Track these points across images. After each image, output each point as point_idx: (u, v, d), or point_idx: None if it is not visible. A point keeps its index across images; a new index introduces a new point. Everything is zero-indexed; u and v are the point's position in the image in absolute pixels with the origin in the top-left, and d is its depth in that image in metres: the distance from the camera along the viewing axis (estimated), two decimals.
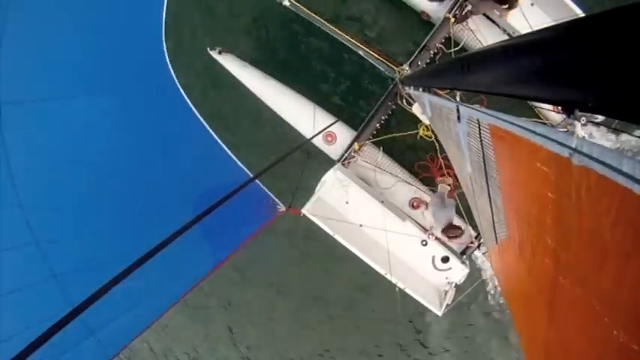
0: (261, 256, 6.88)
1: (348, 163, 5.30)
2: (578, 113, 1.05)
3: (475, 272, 5.77)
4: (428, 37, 5.20)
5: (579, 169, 0.81)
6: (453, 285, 5.31)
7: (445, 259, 5.22)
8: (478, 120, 1.61)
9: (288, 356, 7.73)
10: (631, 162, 0.64)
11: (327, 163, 5.42)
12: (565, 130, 1.02)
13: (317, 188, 5.19)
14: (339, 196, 5.05)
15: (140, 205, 3.00)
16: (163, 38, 3.10)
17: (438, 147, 5.30)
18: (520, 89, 1.34)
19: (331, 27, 5.27)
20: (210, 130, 3.51)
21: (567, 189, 0.90)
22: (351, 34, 5.34)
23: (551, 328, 1.22)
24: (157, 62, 3.17)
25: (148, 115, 3.14)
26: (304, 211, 4.84)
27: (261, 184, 4.05)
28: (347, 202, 5.09)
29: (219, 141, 3.57)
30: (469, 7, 5.06)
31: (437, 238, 5.17)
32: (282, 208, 4.36)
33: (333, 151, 5.40)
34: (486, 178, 1.75)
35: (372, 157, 5.39)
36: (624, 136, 5.51)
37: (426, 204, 5.38)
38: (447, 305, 5.16)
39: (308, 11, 5.25)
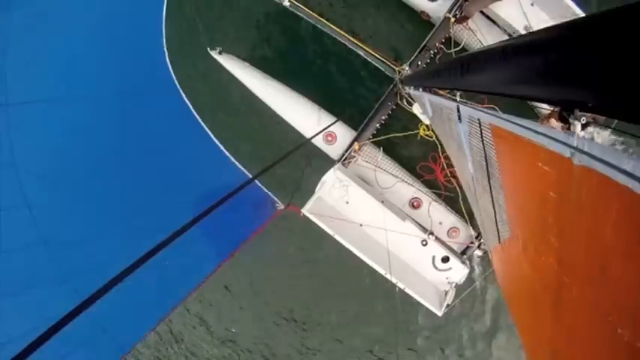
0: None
1: (348, 163, 5.30)
2: (578, 113, 1.06)
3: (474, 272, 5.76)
4: (428, 37, 5.20)
5: (580, 169, 0.81)
6: (453, 285, 5.31)
7: (445, 259, 5.22)
8: (479, 120, 1.61)
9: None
10: (632, 161, 0.65)
11: (327, 163, 5.42)
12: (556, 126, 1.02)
13: (317, 188, 5.19)
14: (339, 196, 5.05)
15: (140, 207, 3.01)
16: (164, 38, 3.11)
17: (440, 147, 5.30)
18: (520, 89, 1.34)
19: (331, 26, 5.28)
20: (209, 131, 3.52)
21: (569, 189, 0.90)
22: (351, 34, 5.34)
23: (556, 327, 1.22)
24: (158, 62, 3.19)
25: (148, 117, 3.15)
26: (304, 210, 4.84)
27: (260, 184, 4.07)
28: (347, 202, 5.09)
29: (217, 142, 3.58)
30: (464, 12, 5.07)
31: (437, 238, 5.17)
32: (280, 206, 4.36)
33: (333, 151, 5.40)
34: (488, 177, 1.75)
35: (372, 157, 5.39)
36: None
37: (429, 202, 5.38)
38: (447, 305, 5.16)
39: (308, 11, 5.25)
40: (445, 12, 5.14)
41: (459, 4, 5.08)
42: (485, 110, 1.61)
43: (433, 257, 5.23)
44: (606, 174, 0.71)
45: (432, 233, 5.13)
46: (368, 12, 5.89)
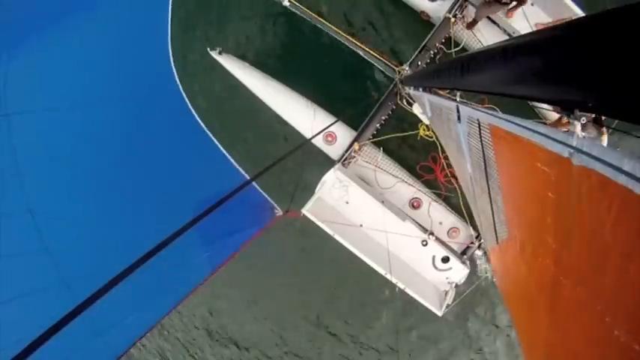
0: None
1: (348, 163, 5.30)
2: (578, 113, 1.06)
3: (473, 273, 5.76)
4: (428, 37, 5.20)
5: (579, 169, 0.81)
6: (454, 285, 5.31)
7: (445, 259, 5.22)
8: (478, 120, 1.61)
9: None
10: (632, 161, 0.64)
11: (327, 163, 5.42)
12: (565, 130, 1.02)
13: (317, 188, 5.20)
14: (339, 196, 5.06)
15: (142, 209, 3.01)
16: (169, 42, 3.12)
17: (439, 147, 5.30)
18: (520, 89, 1.34)
19: (331, 27, 5.28)
20: (209, 133, 3.52)
21: (568, 189, 0.90)
22: (351, 34, 5.35)
23: (552, 329, 1.22)
24: (163, 68, 3.20)
25: (151, 121, 3.16)
26: (304, 211, 4.84)
27: (258, 188, 4.07)
28: (347, 202, 5.10)
29: (217, 143, 3.58)
30: (471, 15, 5.07)
31: (437, 239, 5.17)
32: (279, 212, 4.36)
33: (333, 151, 5.40)
34: (487, 178, 1.75)
35: (372, 157, 5.39)
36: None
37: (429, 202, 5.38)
38: (448, 305, 5.16)
39: (308, 11, 5.25)
40: (445, 12, 5.14)
41: (459, 4, 5.09)
42: (485, 110, 1.61)
43: (433, 257, 5.23)
44: (605, 174, 0.71)
45: (432, 233, 5.13)
46: (368, 12, 5.89)
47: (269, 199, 4.24)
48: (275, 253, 7.02)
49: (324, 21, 5.28)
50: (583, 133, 0.99)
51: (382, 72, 5.36)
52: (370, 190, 5.12)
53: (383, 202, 5.02)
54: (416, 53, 5.22)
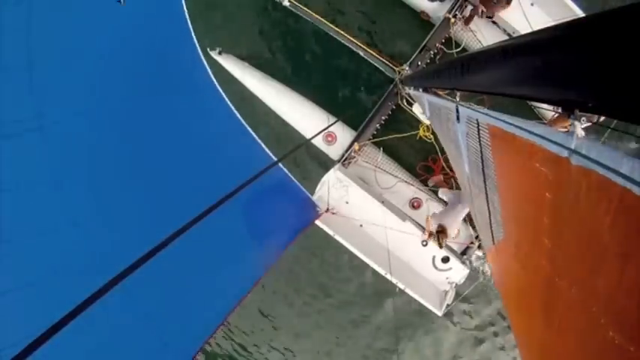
0: None
1: (348, 163, 5.30)
2: (578, 113, 1.05)
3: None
4: (428, 38, 5.20)
5: (578, 170, 0.81)
6: (454, 285, 5.32)
7: (445, 259, 5.22)
8: (477, 120, 1.61)
9: None
10: (630, 162, 0.64)
11: (327, 163, 5.42)
12: (565, 130, 1.01)
13: (317, 188, 5.20)
14: (339, 196, 5.05)
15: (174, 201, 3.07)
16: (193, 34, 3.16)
17: (437, 148, 5.30)
18: (520, 89, 1.34)
19: (331, 26, 5.28)
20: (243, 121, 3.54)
21: (565, 190, 0.90)
22: (351, 34, 5.34)
23: (547, 329, 1.22)
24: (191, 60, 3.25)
25: (189, 114, 3.21)
26: None
27: (301, 186, 4.16)
28: (347, 202, 5.09)
29: (254, 136, 3.61)
30: (479, 11, 5.08)
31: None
32: (321, 210, 4.55)
33: (333, 151, 5.40)
34: (484, 178, 1.75)
35: (372, 158, 5.39)
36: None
37: (439, 201, 5.37)
38: (447, 305, 5.17)
39: (308, 11, 5.25)
40: (445, 12, 5.14)
41: (459, 4, 5.09)
42: (484, 111, 1.61)
43: (433, 257, 5.23)
44: (604, 174, 0.71)
45: (432, 233, 5.12)
46: (368, 12, 5.88)
47: (310, 196, 4.33)
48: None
49: (324, 21, 5.28)
50: (583, 133, 0.99)
51: (382, 72, 5.36)
52: (370, 191, 5.11)
53: (383, 202, 5.02)
54: (416, 53, 5.22)
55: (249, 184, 1.40)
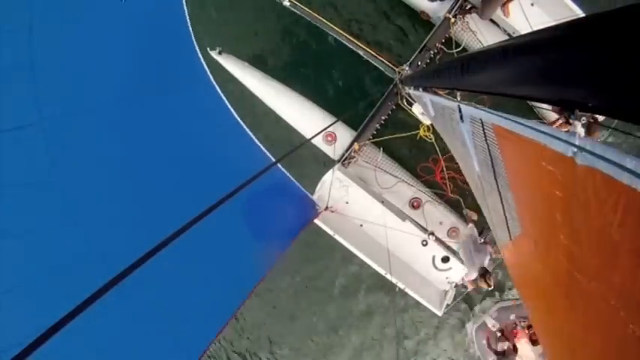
0: None
1: (348, 163, 5.30)
2: (578, 113, 1.06)
3: None
4: (428, 37, 5.20)
5: (584, 169, 0.81)
6: (453, 285, 5.32)
7: (445, 259, 5.22)
8: (481, 119, 1.61)
9: None
10: (635, 160, 0.65)
11: (327, 163, 5.42)
12: (565, 130, 1.02)
13: (317, 188, 5.20)
14: (339, 196, 5.05)
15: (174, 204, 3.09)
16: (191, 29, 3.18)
17: (437, 148, 5.30)
18: (520, 89, 1.34)
19: (331, 26, 5.27)
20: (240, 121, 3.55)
21: (574, 188, 0.90)
22: (351, 34, 5.34)
23: (571, 322, 1.23)
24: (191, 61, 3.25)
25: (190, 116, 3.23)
26: None
27: (298, 184, 4.18)
28: (347, 202, 5.09)
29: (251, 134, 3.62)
30: (473, 12, 5.08)
31: (437, 238, 5.17)
32: (320, 208, 4.57)
33: (333, 151, 5.40)
34: (495, 176, 1.75)
35: (372, 158, 5.39)
36: None
37: (442, 203, 5.37)
38: (447, 305, 5.17)
39: (308, 11, 5.25)
40: (445, 12, 5.14)
41: (459, 4, 5.09)
42: (486, 110, 1.61)
43: (433, 257, 5.23)
44: (608, 173, 0.71)
45: (432, 233, 5.13)
46: (368, 12, 5.89)
47: (309, 195, 4.34)
48: None
49: (324, 20, 5.27)
50: (584, 133, 0.99)
51: (382, 72, 5.36)
52: (370, 191, 5.11)
53: (383, 202, 5.02)
54: (416, 53, 5.22)
55: (249, 185, 1.40)
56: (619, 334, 0.82)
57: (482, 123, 1.60)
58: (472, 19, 5.19)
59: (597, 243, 0.87)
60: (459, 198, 5.36)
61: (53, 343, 0.77)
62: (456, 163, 4.06)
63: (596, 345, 1.04)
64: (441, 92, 3.66)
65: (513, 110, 5.41)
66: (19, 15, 2.40)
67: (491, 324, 4.87)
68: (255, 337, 7.73)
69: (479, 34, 5.16)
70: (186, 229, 1.10)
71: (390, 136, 5.41)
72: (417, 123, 5.34)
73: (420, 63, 5.21)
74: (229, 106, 3.43)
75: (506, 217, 1.88)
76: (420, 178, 5.52)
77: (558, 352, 1.60)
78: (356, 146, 5.24)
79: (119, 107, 2.79)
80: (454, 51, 5.17)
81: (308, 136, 5.16)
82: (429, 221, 5.33)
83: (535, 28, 1.29)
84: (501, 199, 1.81)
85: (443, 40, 5.22)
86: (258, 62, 5.66)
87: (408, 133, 5.41)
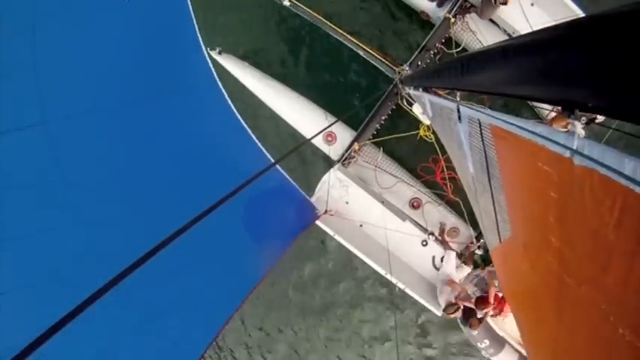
0: None
1: (348, 163, 5.30)
2: (578, 113, 1.06)
3: None
4: (428, 37, 5.20)
5: (581, 170, 0.81)
6: None
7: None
8: (479, 120, 1.61)
9: None
10: (632, 162, 0.64)
11: (327, 163, 5.42)
12: (565, 130, 1.02)
13: (317, 188, 5.20)
14: (339, 196, 5.05)
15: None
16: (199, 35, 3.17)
17: (438, 148, 5.30)
18: (520, 89, 1.34)
19: (331, 26, 5.27)
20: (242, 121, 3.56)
21: (570, 189, 0.90)
22: (351, 34, 5.34)
23: (558, 327, 1.22)
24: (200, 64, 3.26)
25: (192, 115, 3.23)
26: None
27: (298, 187, 4.20)
28: (347, 202, 5.09)
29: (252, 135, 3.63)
30: (471, 13, 5.08)
31: (437, 239, 5.17)
32: (320, 212, 4.59)
33: (333, 151, 5.40)
34: (489, 177, 1.75)
35: (372, 158, 5.39)
36: None
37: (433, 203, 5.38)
38: None
39: (309, 11, 5.24)
40: (445, 12, 5.14)
41: (458, 4, 5.09)
42: (485, 110, 1.61)
43: (433, 257, 5.23)
44: (606, 174, 0.71)
45: (432, 233, 5.13)
46: (368, 12, 5.88)
47: (308, 198, 4.35)
48: None
49: (324, 20, 5.27)
50: (584, 133, 0.99)
51: (382, 72, 5.36)
52: (370, 191, 5.12)
53: (383, 202, 5.02)
54: (416, 53, 5.22)
55: (248, 186, 1.40)
56: (608, 338, 0.82)
57: (479, 123, 1.60)
58: (472, 19, 5.19)
59: (590, 245, 0.86)
60: (458, 200, 5.36)
61: (53, 343, 0.77)
62: None
63: (584, 350, 1.04)
64: (441, 92, 3.66)
65: (513, 109, 5.42)
66: (22, 16, 2.41)
67: (472, 290, 4.88)
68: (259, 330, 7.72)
69: (479, 34, 5.16)
70: (187, 229, 1.10)
71: (390, 136, 5.41)
72: (417, 123, 5.34)
73: (420, 63, 5.21)
74: (233, 108, 3.43)
75: (497, 219, 1.88)
76: (420, 178, 5.52)
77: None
78: (356, 146, 5.24)
79: (122, 108, 2.79)
80: (454, 51, 5.17)
81: (308, 136, 5.16)
82: (428, 221, 5.33)
83: (535, 28, 1.29)
84: (493, 201, 1.81)
85: (443, 40, 5.22)
86: (258, 62, 5.66)
87: (408, 133, 5.41)
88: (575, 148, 0.84)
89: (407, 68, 5.19)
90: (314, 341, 7.50)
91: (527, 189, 1.33)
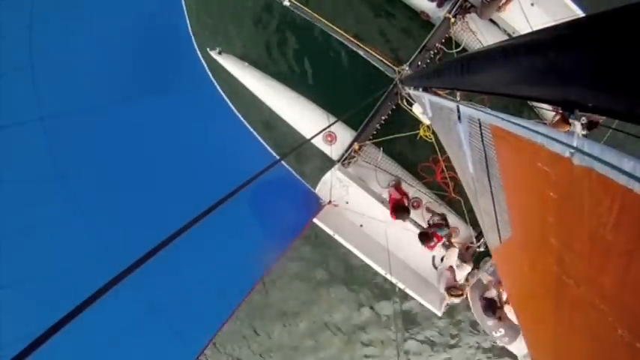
0: None
1: (348, 163, 5.30)
2: (578, 113, 1.06)
3: None
4: (428, 37, 5.20)
5: (580, 169, 0.81)
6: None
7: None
8: (479, 120, 1.61)
9: None
10: (632, 161, 0.64)
11: (327, 163, 5.42)
12: (565, 130, 1.02)
13: (317, 188, 5.20)
14: (339, 196, 5.05)
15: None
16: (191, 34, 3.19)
17: (438, 148, 5.30)
18: (520, 89, 1.34)
19: (331, 26, 5.27)
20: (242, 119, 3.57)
21: (569, 189, 0.90)
22: (351, 34, 5.34)
23: (559, 327, 1.22)
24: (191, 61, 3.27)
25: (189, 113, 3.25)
26: None
27: (302, 179, 4.23)
28: (347, 202, 5.09)
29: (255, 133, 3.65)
30: (471, 13, 5.08)
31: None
32: (324, 202, 4.64)
33: (333, 151, 5.40)
34: (489, 177, 1.75)
35: (372, 158, 5.39)
36: None
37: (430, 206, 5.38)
38: (447, 305, 5.17)
39: (309, 11, 5.24)
40: (445, 12, 5.14)
41: (459, 4, 5.09)
42: (485, 110, 1.61)
43: (433, 257, 5.23)
44: (606, 174, 0.71)
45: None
46: (368, 12, 5.88)
47: (312, 189, 4.39)
48: None
49: (324, 20, 5.27)
50: (583, 133, 0.99)
51: (382, 72, 5.36)
52: (370, 191, 5.11)
53: (383, 202, 5.02)
54: (416, 53, 5.22)
55: (251, 183, 1.40)
56: (607, 339, 0.82)
57: (479, 123, 1.60)
58: (472, 19, 5.18)
59: (589, 245, 0.86)
60: (459, 198, 5.36)
61: (53, 343, 0.77)
62: None
63: (584, 351, 1.04)
64: (441, 92, 3.66)
65: (513, 109, 5.42)
66: (19, 14, 2.41)
67: (487, 280, 4.80)
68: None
69: (479, 34, 5.16)
70: (188, 227, 1.11)
71: (390, 136, 5.41)
72: (417, 123, 5.34)
73: (420, 63, 5.21)
74: (230, 104, 3.44)
75: (497, 220, 1.88)
76: (420, 178, 5.51)
77: None
78: (356, 146, 5.24)
79: (119, 105, 2.79)
80: (454, 51, 5.17)
81: (308, 136, 5.16)
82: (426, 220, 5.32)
83: (535, 28, 1.29)
84: (493, 201, 1.81)
85: (443, 40, 5.22)
86: (258, 62, 5.66)
87: (408, 133, 5.41)
88: (574, 146, 0.84)
89: (407, 68, 5.19)
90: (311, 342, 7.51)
91: (526, 189, 1.33)
